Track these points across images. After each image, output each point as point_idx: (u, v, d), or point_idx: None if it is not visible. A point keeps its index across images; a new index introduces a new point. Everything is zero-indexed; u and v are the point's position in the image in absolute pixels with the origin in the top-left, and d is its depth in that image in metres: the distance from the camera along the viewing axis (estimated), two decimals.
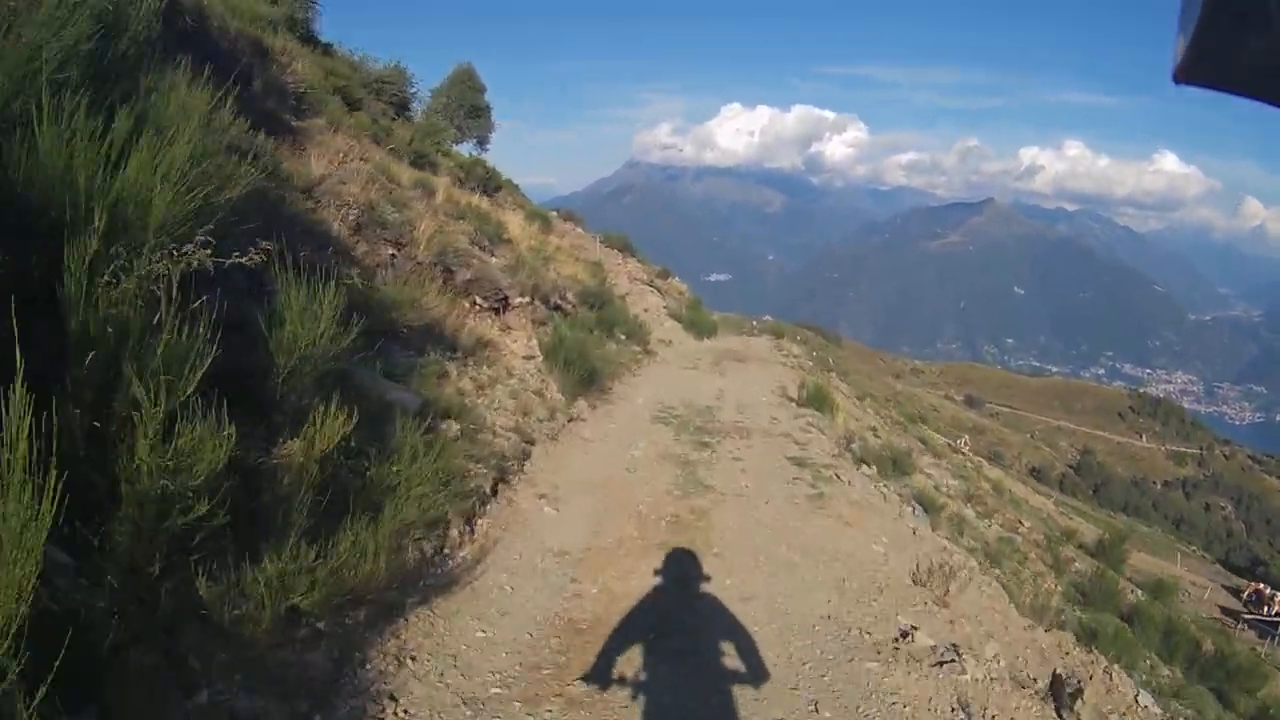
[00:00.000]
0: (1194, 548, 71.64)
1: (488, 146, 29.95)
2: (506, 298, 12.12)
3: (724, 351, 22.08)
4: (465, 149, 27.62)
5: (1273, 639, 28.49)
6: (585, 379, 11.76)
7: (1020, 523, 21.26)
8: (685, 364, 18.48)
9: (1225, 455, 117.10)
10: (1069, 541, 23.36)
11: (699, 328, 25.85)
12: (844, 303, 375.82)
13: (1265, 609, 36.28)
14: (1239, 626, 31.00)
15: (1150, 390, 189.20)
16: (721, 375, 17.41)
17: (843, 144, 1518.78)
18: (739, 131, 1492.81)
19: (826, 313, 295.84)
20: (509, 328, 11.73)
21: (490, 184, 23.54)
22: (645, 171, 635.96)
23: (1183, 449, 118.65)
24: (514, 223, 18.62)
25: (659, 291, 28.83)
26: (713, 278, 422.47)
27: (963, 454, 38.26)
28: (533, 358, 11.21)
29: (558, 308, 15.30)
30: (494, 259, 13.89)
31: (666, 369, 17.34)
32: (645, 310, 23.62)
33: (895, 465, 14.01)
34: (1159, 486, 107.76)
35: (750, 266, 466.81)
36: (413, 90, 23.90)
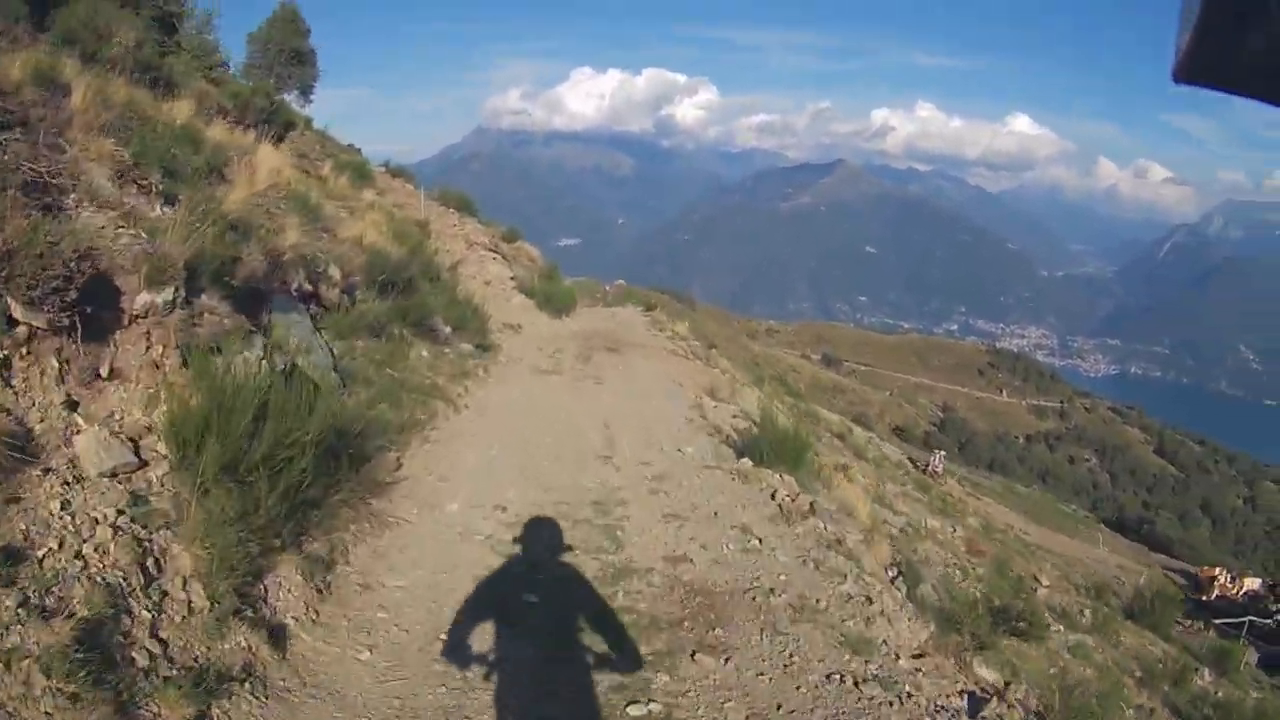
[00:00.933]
0: (1077, 509, 69.60)
1: (312, 97, 26.90)
2: (117, 292, 5.05)
3: (591, 335, 18.15)
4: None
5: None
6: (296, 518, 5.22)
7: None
8: (542, 364, 14.11)
9: (1086, 408, 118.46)
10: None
11: (555, 303, 21.36)
12: (696, 266, 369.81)
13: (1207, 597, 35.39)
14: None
15: (1004, 344, 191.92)
16: (598, 384, 12.99)
17: (694, 106, 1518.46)
18: (589, 95, 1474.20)
19: (679, 276, 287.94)
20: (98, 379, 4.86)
21: (274, 118, 17.59)
22: (494, 138, 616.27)
23: (1043, 403, 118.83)
24: (268, 159, 11.72)
25: (504, 259, 24.04)
26: (563, 242, 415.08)
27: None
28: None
29: (310, 297, 9.33)
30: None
31: (512, 384, 12.11)
32: (486, 284, 20.02)
33: None
34: (1022, 441, 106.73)
35: (601, 231, 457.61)
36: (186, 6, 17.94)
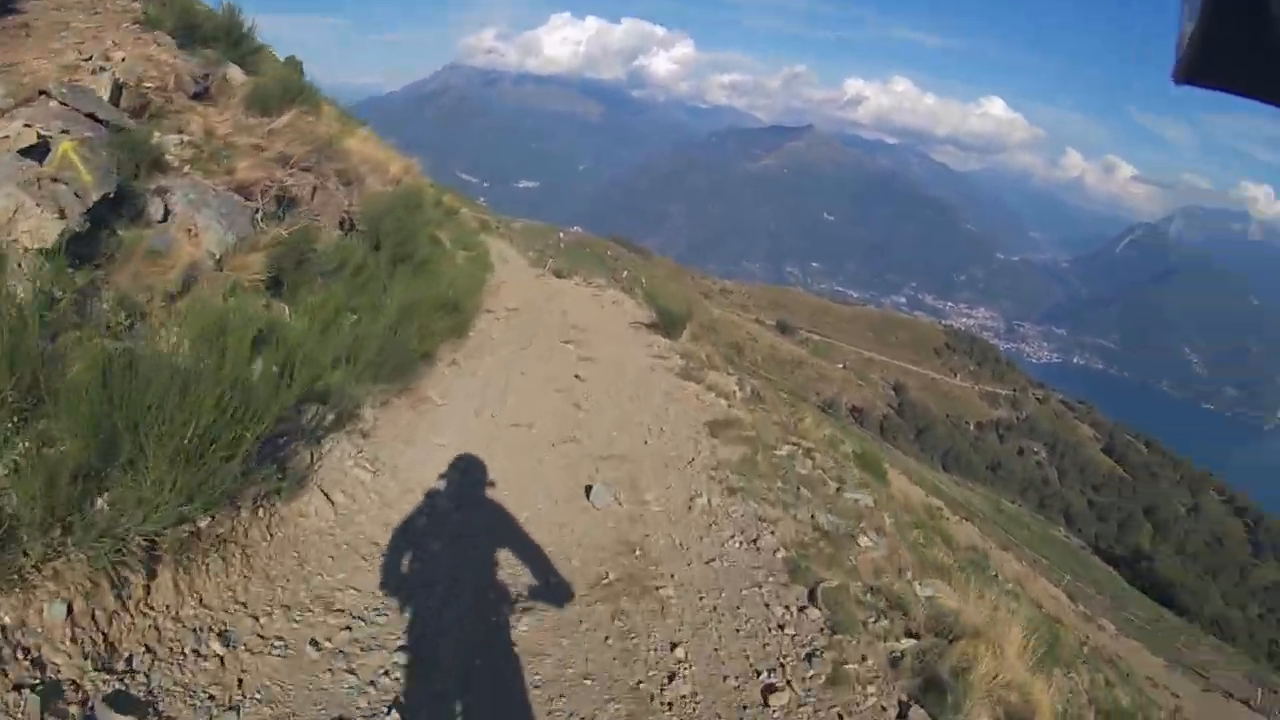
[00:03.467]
0: (1069, 536, 67.22)
1: None
2: None
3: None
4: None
5: None
6: None
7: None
8: None
9: (1039, 399, 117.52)
10: None
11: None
12: (655, 217, 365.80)
13: None
14: None
15: (950, 323, 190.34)
16: None
17: (669, 60, 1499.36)
18: (565, 40, 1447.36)
19: (637, 226, 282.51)
20: None
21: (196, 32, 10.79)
22: (465, 74, 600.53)
23: (996, 389, 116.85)
24: None
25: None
26: (521, 184, 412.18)
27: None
28: None
29: None
30: None
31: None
32: None
33: None
34: (972, 427, 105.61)
35: (562, 177, 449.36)
36: None
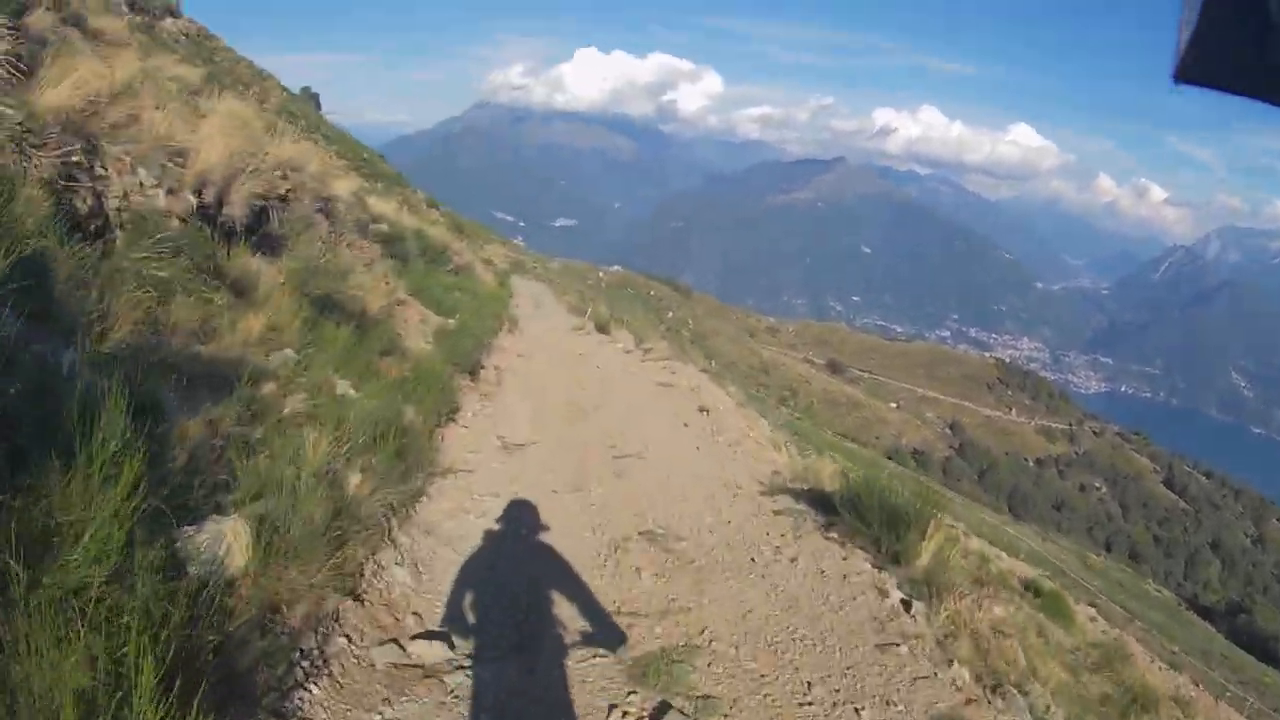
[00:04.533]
0: (1154, 585, 64.73)
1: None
2: None
3: None
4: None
5: None
6: None
7: None
8: None
9: (1095, 432, 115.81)
10: None
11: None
12: (687, 253, 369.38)
13: None
14: None
15: (997, 355, 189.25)
16: None
17: (697, 94, 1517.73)
18: (592, 76, 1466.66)
19: (670, 262, 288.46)
20: None
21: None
22: (493, 113, 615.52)
23: (1052, 423, 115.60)
24: None
25: None
26: (559, 223, 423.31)
27: None
28: None
29: None
30: None
31: None
32: None
33: None
34: (1031, 464, 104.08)
35: (597, 213, 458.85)
36: None
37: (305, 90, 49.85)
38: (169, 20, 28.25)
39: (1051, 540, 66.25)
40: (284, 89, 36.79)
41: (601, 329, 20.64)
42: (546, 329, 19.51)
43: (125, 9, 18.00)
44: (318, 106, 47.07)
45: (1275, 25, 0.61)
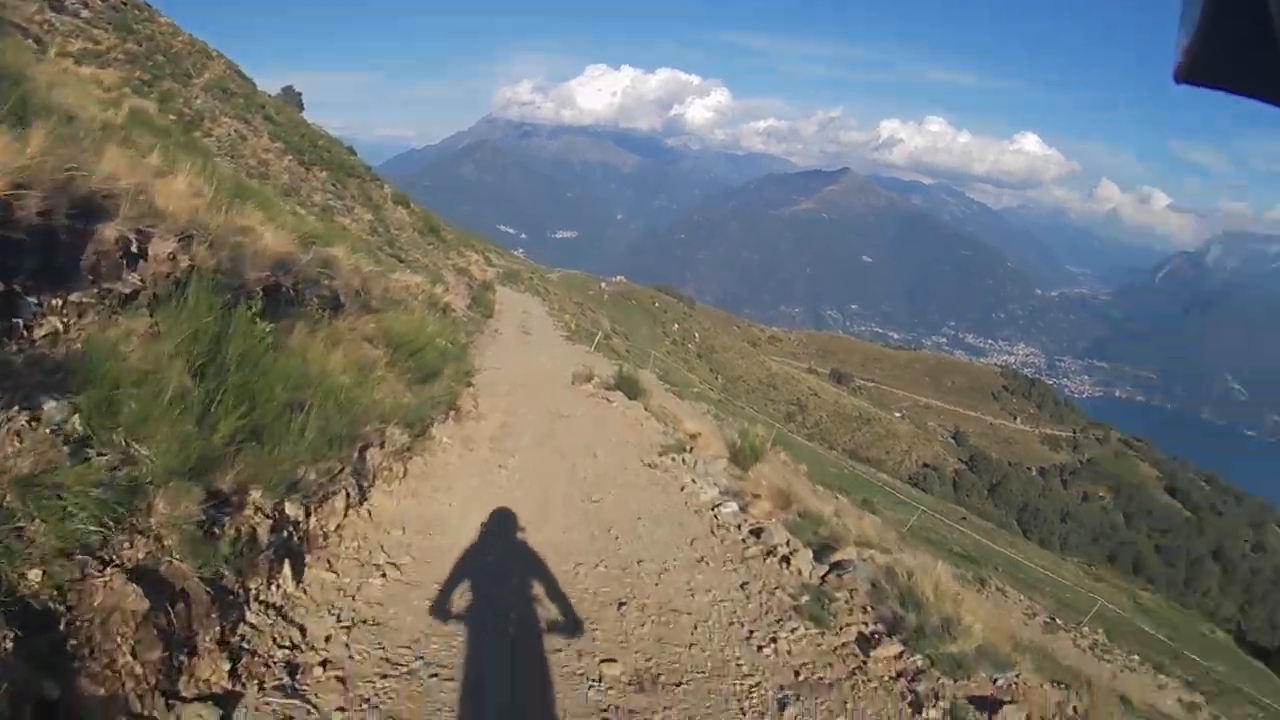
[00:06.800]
0: (1209, 627, 61.79)
1: None
2: None
3: None
4: None
5: None
6: None
7: None
8: None
9: (1098, 439, 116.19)
10: None
11: None
12: (692, 264, 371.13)
13: None
14: None
15: (991, 360, 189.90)
16: None
17: (704, 108, 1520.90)
18: (600, 91, 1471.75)
19: (673, 273, 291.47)
20: None
21: None
22: (501, 127, 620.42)
23: (1056, 431, 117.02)
24: None
25: None
26: (559, 234, 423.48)
27: None
28: None
29: None
30: None
31: None
32: None
33: None
34: (1034, 472, 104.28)
35: (599, 225, 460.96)
36: None
37: (288, 89, 52.42)
38: None
39: (1093, 573, 65.28)
40: (239, 73, 35.57)
41: (621, 388, 13.57)
42: (527, 372, 15.00)
43: None
44: (300, 107, 48.65)
45: (1276, 25, 0.61)
